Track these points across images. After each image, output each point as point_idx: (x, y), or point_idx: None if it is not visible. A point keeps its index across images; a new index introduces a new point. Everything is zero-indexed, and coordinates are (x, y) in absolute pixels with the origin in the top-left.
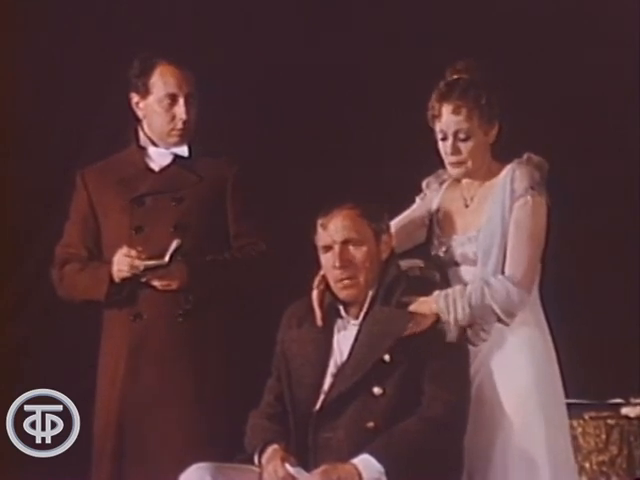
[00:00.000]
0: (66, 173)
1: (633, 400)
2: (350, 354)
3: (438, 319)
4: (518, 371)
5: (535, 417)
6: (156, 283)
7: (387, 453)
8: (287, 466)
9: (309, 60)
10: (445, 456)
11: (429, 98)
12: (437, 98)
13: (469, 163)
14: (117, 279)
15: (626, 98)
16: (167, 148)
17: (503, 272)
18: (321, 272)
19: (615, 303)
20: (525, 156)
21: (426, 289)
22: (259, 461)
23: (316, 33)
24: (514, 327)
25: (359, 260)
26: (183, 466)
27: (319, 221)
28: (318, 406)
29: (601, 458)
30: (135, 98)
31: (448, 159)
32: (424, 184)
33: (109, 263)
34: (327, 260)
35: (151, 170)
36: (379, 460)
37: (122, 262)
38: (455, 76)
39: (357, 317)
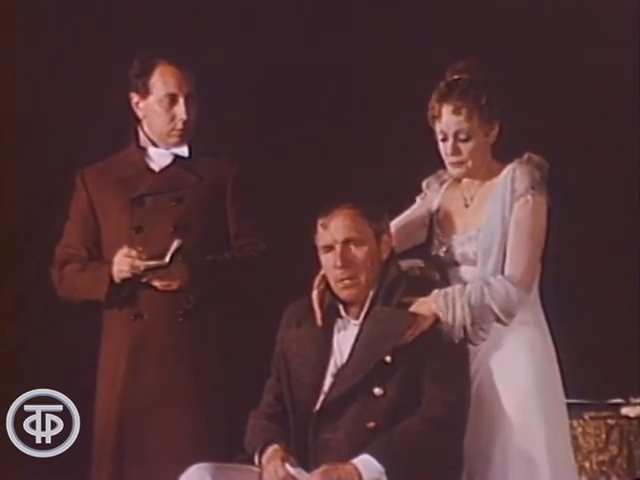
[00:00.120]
0: (66, 173)
1: (633, 400)
2: (351, 354)
3: (438, 319)
4: (518, 371)
5: (535, 417)
6: (156, 283)
7: (387, 453)
8: (287, 466)
9: (309, 60)
10: (445, 456)
11: (429, 98)
12: (437, 98)
13: (469, 163)
14: (117, 279)
15: (626, 98)
16: (167, 148)
17: (503, 272)
18: (321, 272)
19: (615, 303)
20: (525, 156)
21: (426, 289)
22: (259, 461)
23: (316, 33)
24: (514, 327)
25: (360, 260)
26: (183, 466)
27: (320, 221)
28: (318, 406)
29: (601, 458)
30: (135, 98)
31: (448, 159)
32: (424, 184)
33: (109, 263)
34: (328, 260)
35: (151, 170)
36: (379, 460)
37: (123, 263)
38: (455, 76)
39: (357, 317)
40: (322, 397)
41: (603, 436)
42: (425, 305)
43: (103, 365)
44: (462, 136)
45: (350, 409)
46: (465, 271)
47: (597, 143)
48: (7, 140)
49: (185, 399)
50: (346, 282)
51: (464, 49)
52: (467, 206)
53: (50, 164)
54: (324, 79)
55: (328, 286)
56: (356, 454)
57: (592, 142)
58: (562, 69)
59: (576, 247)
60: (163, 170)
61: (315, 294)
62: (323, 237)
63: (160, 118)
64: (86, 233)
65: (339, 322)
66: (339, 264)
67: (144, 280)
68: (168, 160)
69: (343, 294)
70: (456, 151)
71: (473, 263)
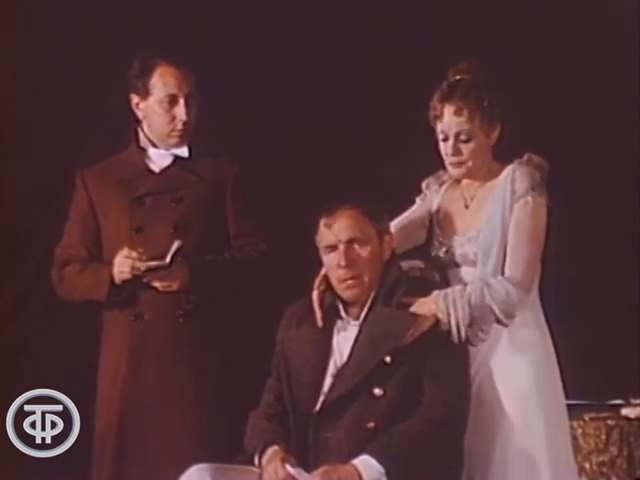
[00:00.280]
0: (66, 173)
1: (633, 401)
2: (350, 355)
3: (438, 320)
4: (518, 372)
5: (535, 417)
6: (157, 284)
7: (387, 453)
8: (287, 467)
9: (309, 60)
10: (445, 456)
11: (430, 98)
12: (439, 99)
13: (470, 164)
14: (118, 280)
15: (626, 98)
16: (167, 149)
17: (503, 273)
18: (322, 272)
19: (615, 303)
20: (525, 157)
21: (426, 290)
22: (259, 462)
23: (316, 33)
24: (514, 328)
25: (364, 259)
26: (183, 466)
27: (322, 221)
28: (318, 407)
29: (601, 459)
30: (135, 99)
31: (449, 160)
32: (424, 185)
33: (110, 264)
34: (331, 260)
35: (151, 171)
36: (379, 461)
37: (123, 264)
38: (457, 76)
39: (357, 318)
40: (322, 397)
41: (603, 437)
42: (425, 306)
43: (103, 365)
44: (463, 137)
45: (350, 409)
46: (465, 272)
47: (597, 143)
48: (7, 140)
49: (185, 399)
50: (349, 282)
51: (464, 49)
52: (467, 207)
53: (50, 164)
54: (324, 79)
55: (328, 286)
56: (356, 454)
57: (592, 142)
58: (562, 69)
59: (576, 247)
60: (163, 171)
61: (315, 294)
62: (326, 237)
63: (160, 119)
64: (86, 233)
65: (339, 323)
66: (343, 263)
67: (144, 281)
68: (168, 161)
69: (346, 294)
70: (457, 151)
71: (473, 264)
